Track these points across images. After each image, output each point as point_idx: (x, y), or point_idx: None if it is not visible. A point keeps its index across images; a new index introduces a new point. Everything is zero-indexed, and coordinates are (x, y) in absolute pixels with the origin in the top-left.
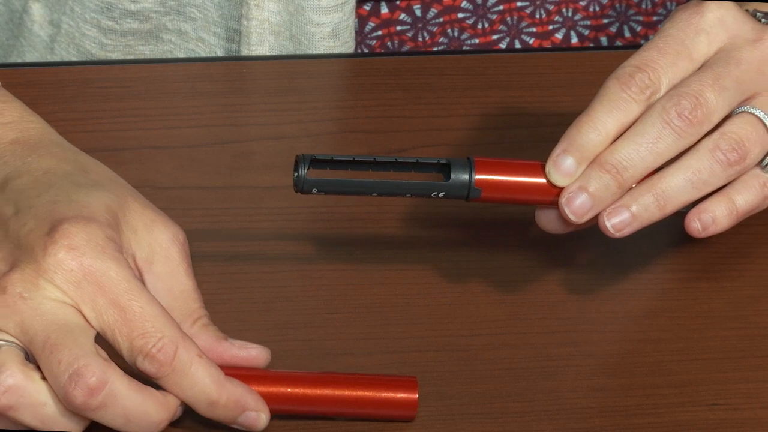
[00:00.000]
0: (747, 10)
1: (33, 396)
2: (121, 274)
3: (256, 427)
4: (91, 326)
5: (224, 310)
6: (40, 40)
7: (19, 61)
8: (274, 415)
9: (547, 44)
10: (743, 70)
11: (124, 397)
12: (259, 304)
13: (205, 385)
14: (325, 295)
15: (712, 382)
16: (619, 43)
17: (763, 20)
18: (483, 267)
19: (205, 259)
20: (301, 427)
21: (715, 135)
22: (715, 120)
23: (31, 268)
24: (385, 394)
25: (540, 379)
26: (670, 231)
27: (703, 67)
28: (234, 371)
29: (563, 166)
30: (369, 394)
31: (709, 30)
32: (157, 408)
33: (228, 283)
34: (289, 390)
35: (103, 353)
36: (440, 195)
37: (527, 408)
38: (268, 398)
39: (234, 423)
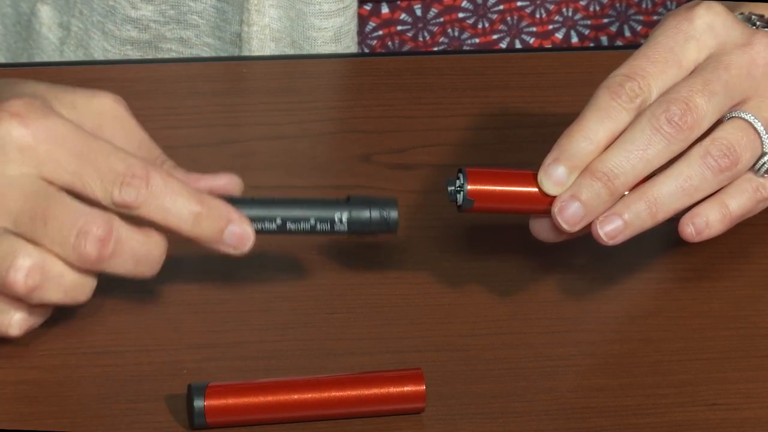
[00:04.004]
0: (742, 13)
1: (52, 270)
2: (69, 126)
3: (245, 243)
4: (57, 186)
5: (224, 310)
6: (49, 43)
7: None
8: (279, 424)
9: (547, 44)
10: (732, 75)
11: (130, 238)
12: (259, 304)
13: (186, 199)
14: (325, 295)
15: (712, 382)
16: (619, 42)
17: (758, 23)
18: (483, 267)
19: (205, 259)
20: (301, 427)
21: (706, 141)
22: (705, 125)
23: None
24: (392, 390)
25: (540, 379)
26: (669, 231)
27: (692, 73)
28: (241, 383)
29: (555, 175)
30: (376, 391)
31: (698, 37)
32: (156, 242)
33: (228, 283)
34: (296, 397)
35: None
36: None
37: (527, 408)
38: (275, 407)
39: (221, 242)
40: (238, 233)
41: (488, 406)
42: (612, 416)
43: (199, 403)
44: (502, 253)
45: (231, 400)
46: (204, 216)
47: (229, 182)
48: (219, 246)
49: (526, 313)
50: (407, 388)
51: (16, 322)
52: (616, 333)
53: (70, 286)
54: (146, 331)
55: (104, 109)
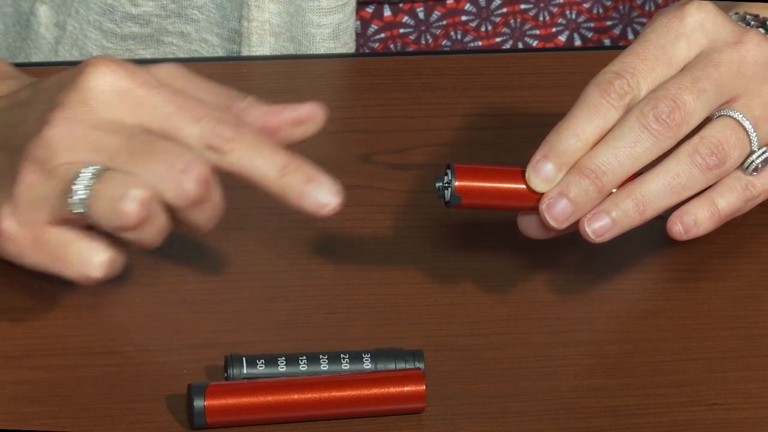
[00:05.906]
0: (737, 13)
1: (155, 207)
2: (158, 77)
3: (331, 201)
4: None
5: (224, 310)
6: (45, 42)
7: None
8: (279, 424)
9: (550, 47)
10: (722, 73)
11: (215, 188)
12: (259, 304)
13: (278, 151)
14: (325, 295)
15: (712, 382)
16: (622, 44)
17: (752, 23)
18: (483, 267)
19: (205, 259)
20: (301, 427)
21: (695, 139)
22: (694, 123)
23: (75, 96)
24: (392, 389)
25: (540, 379)
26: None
27: (682, 70)
28: (241, 383)
29: (543, 172)
30: (376, 391)
31: (689, 35)
32: (221, 199)
33: (228, 283)
34: (296, 397)
35: None
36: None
37: (527, 408)
38: (276, 407)
39: (303, 196)
40: (326, 188)
41: (488, 406)
42: (612, 416)
43: (199, 403)
44: (502, 252)
45: (231, 400)
46: (292, 167)
47: (313, 109)
48: (302, 201)
49: (526, 313)
50: (407, 388)
51: (101, 262)
52: (616, 333)
53: (158, 229)
54: (146, 331)
55: (171, 72)
